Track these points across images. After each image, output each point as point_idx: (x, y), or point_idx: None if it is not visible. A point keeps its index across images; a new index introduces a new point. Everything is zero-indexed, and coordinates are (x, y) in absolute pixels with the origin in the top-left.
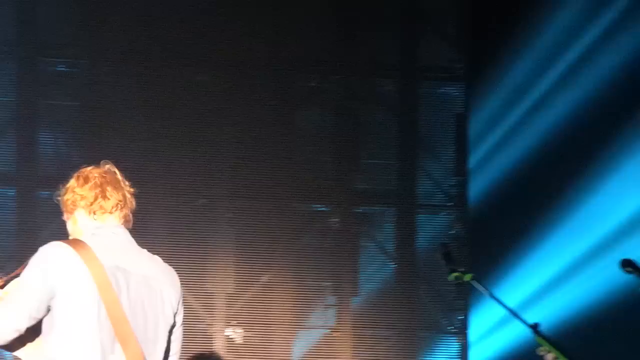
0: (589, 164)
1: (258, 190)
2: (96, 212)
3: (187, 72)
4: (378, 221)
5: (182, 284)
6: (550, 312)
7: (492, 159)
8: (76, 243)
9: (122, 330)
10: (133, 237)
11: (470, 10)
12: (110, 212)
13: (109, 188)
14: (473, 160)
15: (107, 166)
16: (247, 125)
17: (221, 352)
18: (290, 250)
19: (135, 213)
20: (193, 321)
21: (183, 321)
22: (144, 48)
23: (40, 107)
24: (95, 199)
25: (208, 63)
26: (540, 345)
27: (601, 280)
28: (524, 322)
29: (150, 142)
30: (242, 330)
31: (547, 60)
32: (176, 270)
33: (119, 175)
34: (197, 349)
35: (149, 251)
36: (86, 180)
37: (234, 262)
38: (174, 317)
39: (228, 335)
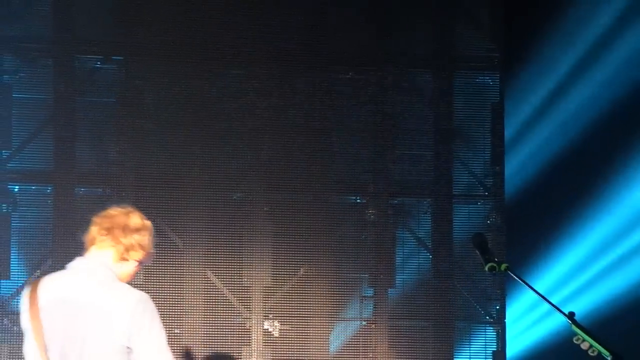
0: (627, 153)
1: (294, 183)
2: (85, 246)
3: (222, 65)
4: (414, 212)
5: (219, 278)
6: (585, 301)
7: (528, 149)
8: (34, 282)
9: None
10: (172, 234)
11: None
12: (91, 244)
13: (93, 223)
14: (509, 149)
15: (119, 208)
16: (283, 118)
17: (259, 345)
18: (327, 243)
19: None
20: (230, 315)
21: (155, 342)
22: (179, 43)
23: (76, 104)
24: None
25: (243, 57)
26: (576, 334)
27: (637, 269)
28: (560, 310)
29: (186, 136)
30: (279, 324)
31: (582, 49)
32: (213, 266)
33: (119, 215)
34: (235, 343)
35: (184, 246)
36: None
37: (270, 255)
38: (129, 339)
39: (266, 329)
